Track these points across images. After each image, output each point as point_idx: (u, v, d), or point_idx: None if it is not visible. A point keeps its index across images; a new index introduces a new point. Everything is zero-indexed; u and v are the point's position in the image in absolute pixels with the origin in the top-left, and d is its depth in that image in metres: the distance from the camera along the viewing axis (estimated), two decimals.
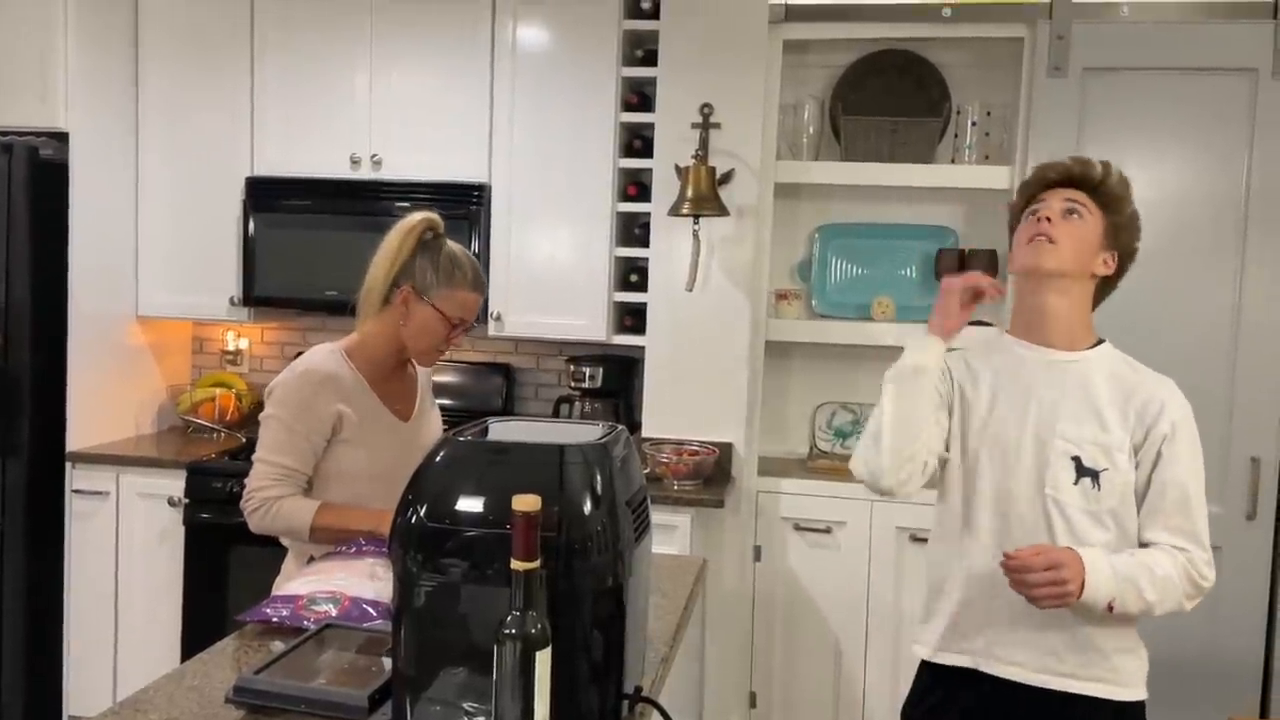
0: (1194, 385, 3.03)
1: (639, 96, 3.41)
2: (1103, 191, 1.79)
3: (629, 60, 3.37)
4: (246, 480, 2.00)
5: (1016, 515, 1.76)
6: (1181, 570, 1.69)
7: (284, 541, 2.10)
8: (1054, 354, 1.79)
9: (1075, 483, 1.72)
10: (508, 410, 3.73)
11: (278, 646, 1.54)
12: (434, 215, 2.07)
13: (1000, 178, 3.22)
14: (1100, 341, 1.83)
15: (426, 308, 2.01)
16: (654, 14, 3.29)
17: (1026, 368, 1.80)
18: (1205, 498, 1.74)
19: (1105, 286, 1.85)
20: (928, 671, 1.90)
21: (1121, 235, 1.81)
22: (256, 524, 1.99)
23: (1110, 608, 1.66)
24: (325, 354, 2.06)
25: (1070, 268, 1.77)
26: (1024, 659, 1.76)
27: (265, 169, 3.51)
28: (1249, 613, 3.03)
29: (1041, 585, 1.62)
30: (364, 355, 2.07)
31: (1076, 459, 1.72)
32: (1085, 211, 1.78)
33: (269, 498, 1.97)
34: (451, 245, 2.07)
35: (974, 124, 3.33)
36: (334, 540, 1.96)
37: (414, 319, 2.02)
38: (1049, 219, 1.77)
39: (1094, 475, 1.72)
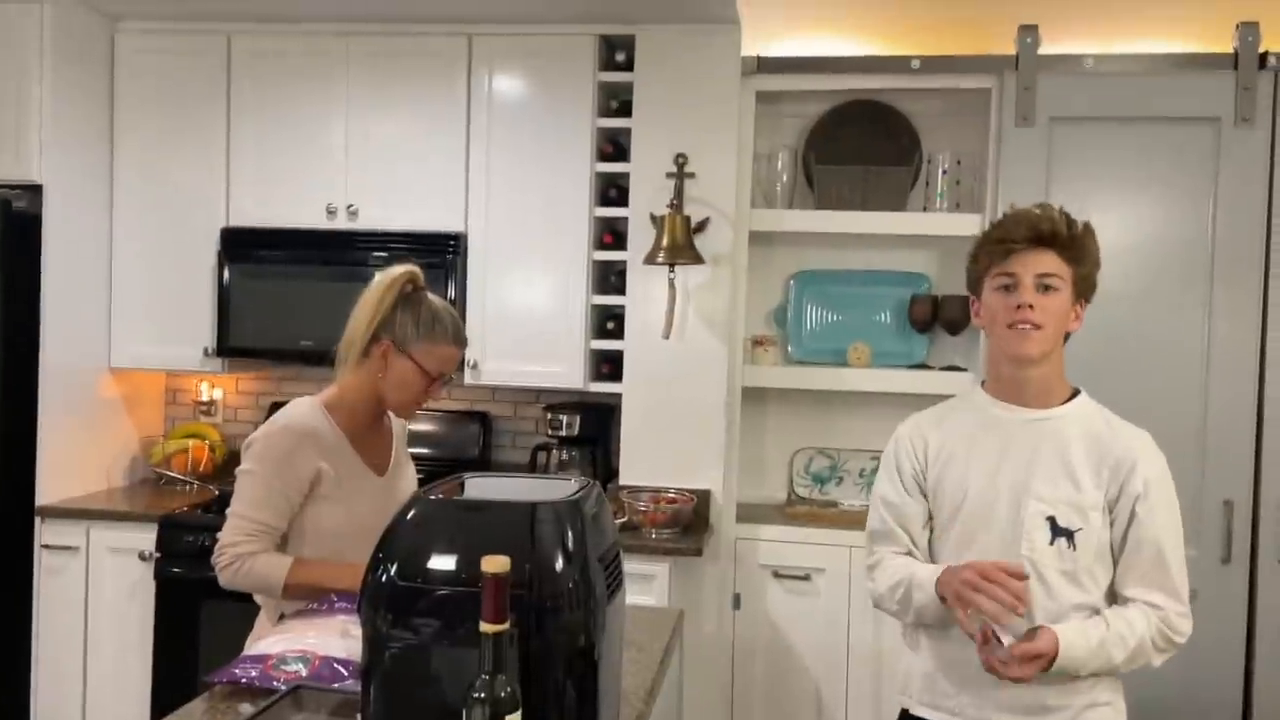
0: (1166, 428, 3.05)
1: (614, 146, 3.44)
2: (1074, 248, 1.76)
3: (604, 111, 3.41)
4: (219, 535, 1.98)
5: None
6: (1156, 630, 1.70)
7: (257, 599, 2.07)
8: (1030, 413, 1.79)
9: (1051, 543, 1.71)
10: (485, 458, 3.71)
11: (246, 709, 1.51)
12: (415, 268, 2.06)
13: (971, 225, 3.25)
14: (1076, 393, 1.82)
15: (406, 361, 2.00)
16: (628, 65, 3.33)
17: (1001, 428, 1.80)
18: (1183, 551, 1.75)
19: None
20: None
21: (1088, 283, 1.81)
22: (228, 580, 1.96)
23: (1076, 675, 1.70)
24: (306, 408, 2.04)
25: (1053, 345, 1.77)
26: (1001, 719, 1.75)
27: (241, 219, 3.51)
28: (1226, 656, 3.03)
29: (1024, 673, 1.66)
30: (343, 409, 2.06)
31: (1051, 519, 1.72)
32: (1059, 280, 1.75)
33: (241, 554, 1.94)
34: (432, 299, 2.06)
35: (945, 172, 3.38)
36: (307, 597, 1.93)
37: (393, 372, 2.01)
38: (1030, 305, 1.73)
39: (1069, 535, 1.71)
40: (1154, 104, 3.12)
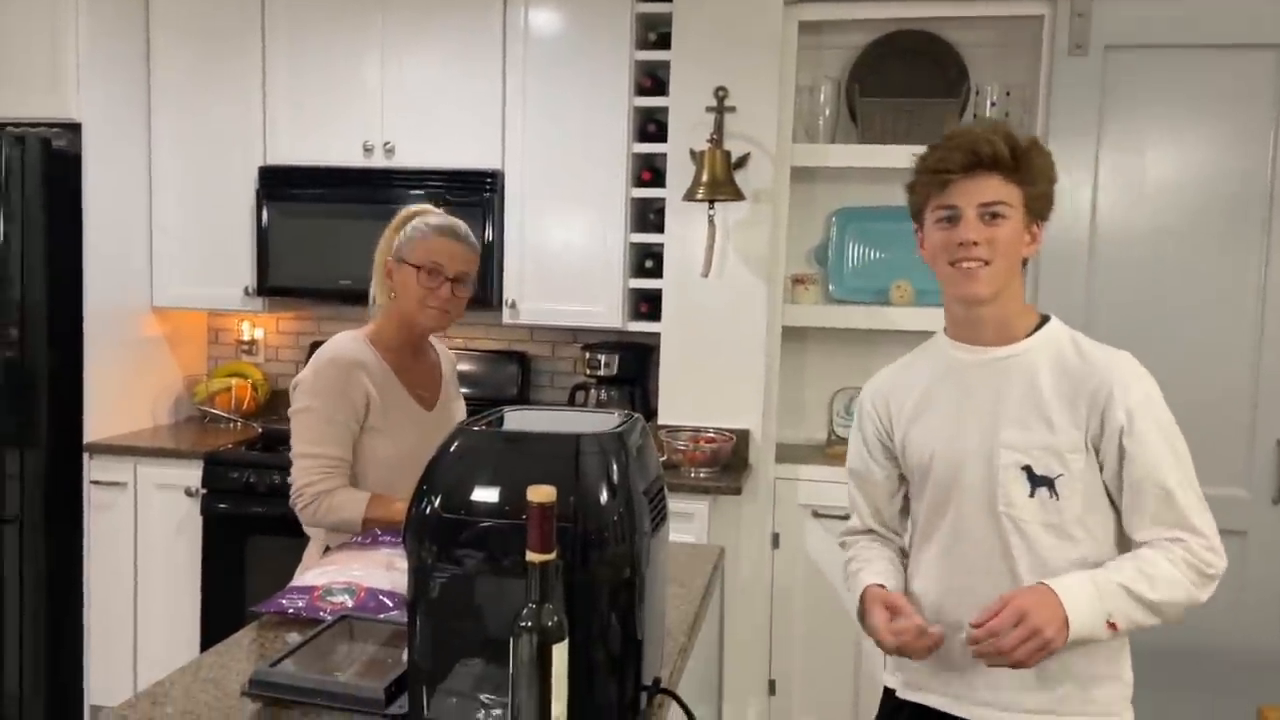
0: (1217, 368, 3.03)
1: (653, 80, 3.37)
2: (1021, 169, 1.54)
3: (642, 43, 3.33)
4: (291, 477, 1.99)
5: (971, 540, 1.59)
6: (1180, 561, 1.50)
7: (307, 530, 2.10)
8: (991, 351, 1.60)
9: (1031, 495, 1.53)
10: (523, 398, 3.72)
11: (294, 638, 1.53)
12: (429, 206, 2.11)
13: None
14: (1045, 321, 1.62)
15: (404, 268, 2.03)
16: None
17: (961, 372, 1.62)
18: (1193, 476, 1.53)
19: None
20: (890, 703, 1.78)
21: (1043, 202, 1.59)
22: (309, 519, 1.98)
23: (1113, 626, 1.48)
24: (350, 340, 2.06)
25: (1006, 280, 1.57)
26: (992, 698, 1.59)
27: (278, 158, 3.50)
28: (1277, 598, 2.99)
29: (1017, 646, 1.43)
30: (382, 342, 2.08)
31: (1027, 468, 1.53)
32: (1006, 207, 1.54)
33: (319, 492, 1.95)
34: (433, 215, 2.08)
35: (993, 104, 3.28)
36: (385, 531, 1.94)
37: (398, 284, 2.04)
38: (974, 241, 1.53)
39: (1049, 484, 1.53)
40: (1214, 30, 3.00)
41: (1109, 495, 1.55)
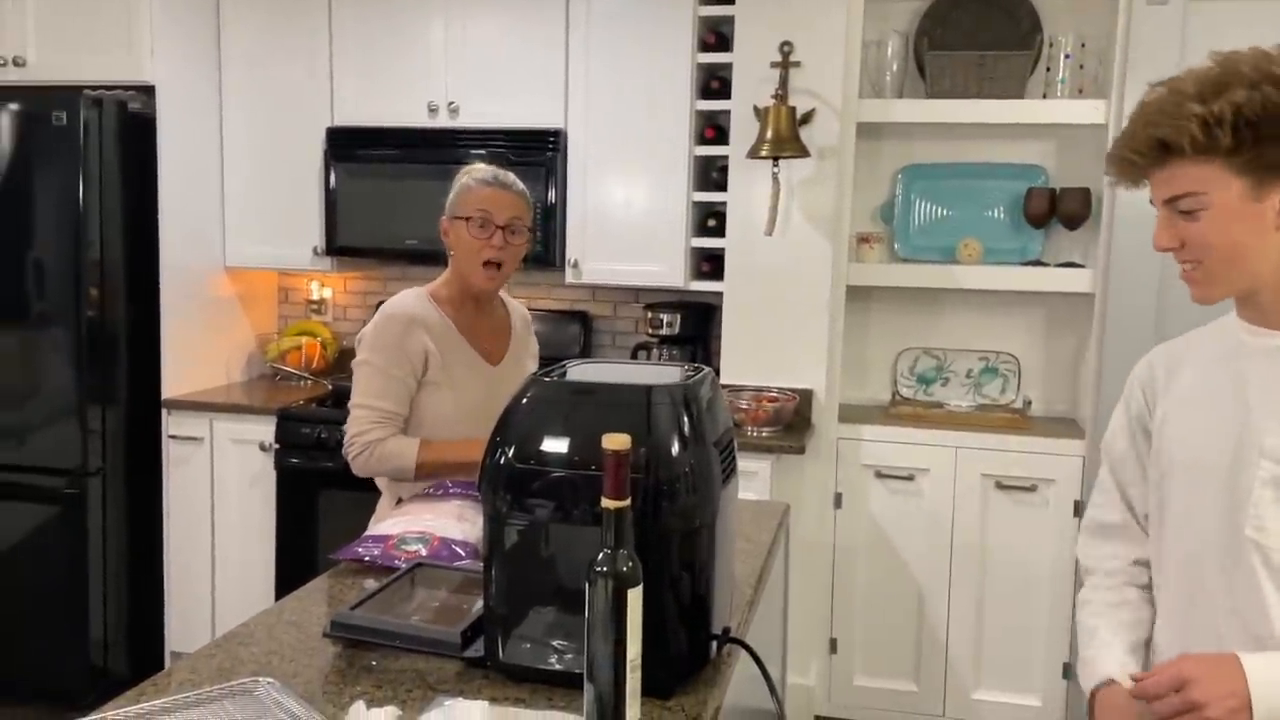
0: None
1: (716, 36, 3.34)
2: (1226, 141, 1.21)
3: None
4: (345, 427, 2.04)
5: (1213, 572, 1.30)
6: None
7: (379, 484, 2.15)
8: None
9: None
10: (585, 358, 3.74)
11: (370, 584, 1.57)
12: (482, 165, 2.13)
13: (1095, 112, 3.09)
14: None
15: (456, 223, 2.06)
16: None
17: (1243, 359, 1.32)
18: None
19: None
20: None
21: (1264, 162, 1.22)
22: (360, 468, 2.03)
23: None
24: (411, 296, 2.10)
25: (1235, 283, 1.28)
26: None
27: (344, 119, 3.54)
28: None
29: (1170, 717, 1.20)
30: (445, 297, 2.12)
31: None
32: (1202, 196, 1.24)
33: (370, 441, 2.00)
34: (481, 168, 2.11)
35: (1067, 56, 3.19)
36: (437, 475, 1.99)
37: (454, 241, 2.07)
38: (1168, 247, 1.29)
39: None
40: None
41: None
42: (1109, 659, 1.39)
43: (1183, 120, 1.22)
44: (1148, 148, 1.26)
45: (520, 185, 2.10)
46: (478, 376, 2.08)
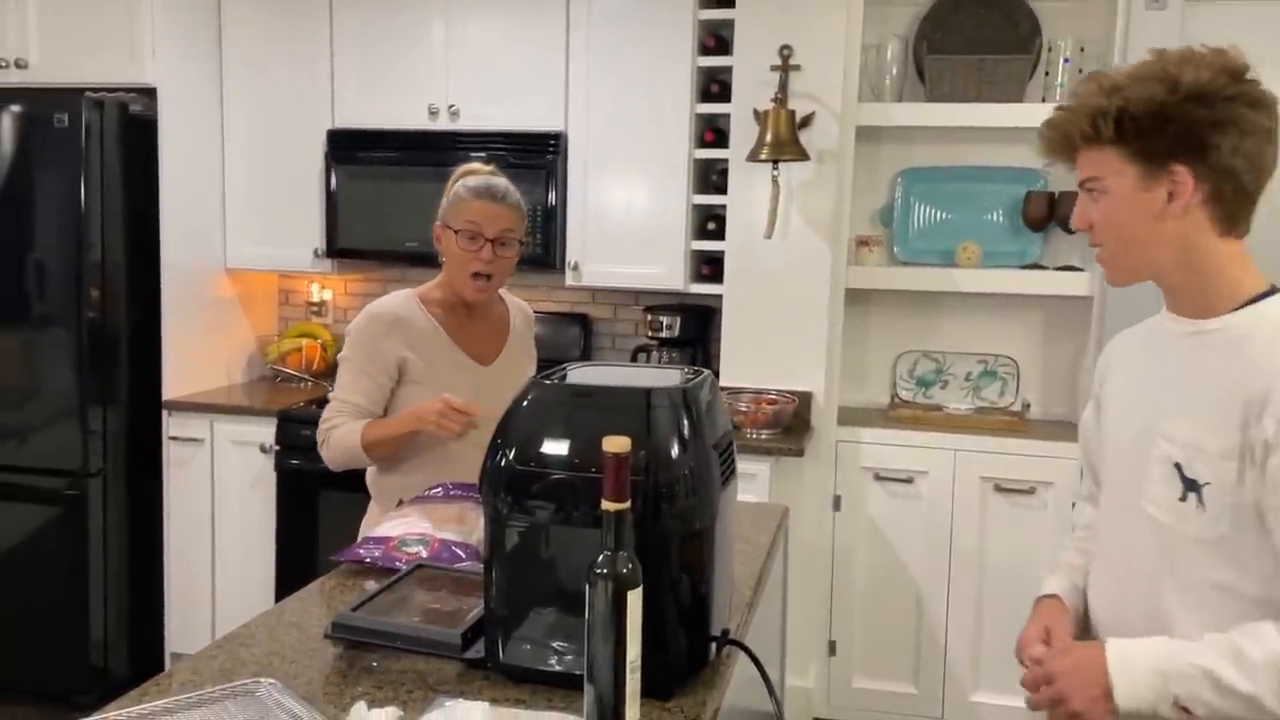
0: None
1: (716, 39, 3.35)
2: (1106, 132, 1.30)
3: (706, 2, 3.31)
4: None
5: (1124, 541, 1.39)
6: None
7: (369, 487, 2.16)
8: (1193, 324, 1.35)
9: (1182, 499, 1.29)
10: (585, 360, 3.75)
11: (371, 586, 1.58)
12: (478, 165, 2.13)
13: None
14: (1263, 295, 1.32)
15: (447, 232, 2.07)
16: None
17: (1160, 343, 1.40)
18: None
19: (1231, 198, 1.30)
20: None
21: (1163, 140, 1.28)
22: (325, 457, 2.09)
23: (1185, 710, 1.25)
24: (398, 297, 2.12)
25: (1136, 269, 1.36)
26: None
27: (345, 121, 3.55)
28: None
29: (1041, 704, 1.35)
30: (435, 300, 2.13)
31: (1179, 466, 1.30)
32: (1102, 181, 1.33)
33: (328, 429, 2.06)
34: (475, 176, 2.10)
35: (1066, 61, 3.20)
36: (392, 451, 2.03)
37: (445, 249, 2.09)
38: (1084, 230, 1.38)
39: (1198, 490, 1.28)
40: None
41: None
42: (1055, 584, 1.56)
43: (1079, 111, 1.33)
44: (1056, 132, 1.37)
45: (514, 196, 2.09)
46: (466, 378, 2.09)
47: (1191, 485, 1.29)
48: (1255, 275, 1.34)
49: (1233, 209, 1.31)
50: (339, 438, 2.05)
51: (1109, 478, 1.46)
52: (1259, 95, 1.29)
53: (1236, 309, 1.31)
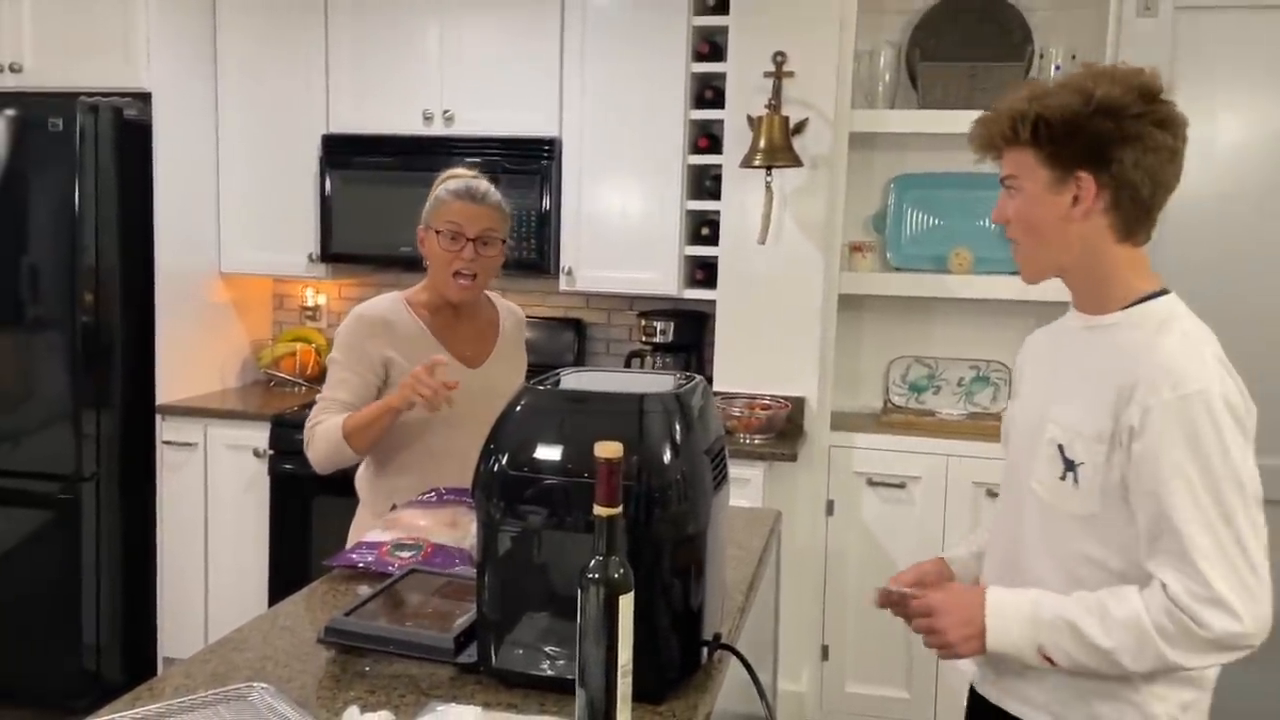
0: None
1: (710, 46, 3.36)
2: (1024, 135, 1.40)
3: (700, 9, 3.32)
4: None
5: (1011, 514, 1.52)
6: (1159, 609, 1.30)
7: (359, 492, 2.17)
8: (1086, 319, 1.47)
9: (1062, 477, 1.40)
10: (579, 365, 3.75)
11: (364, 590, 1.58)
12: (462, 170, 2.14)
13: None
14: (1153, 295, 1.42)
15: (430, 234, 2.08)
16: None
17: (1062, 337, 1.53)
18: (1233, 514, 1.29)
19: (1129, 207, 1.39)
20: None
21: (1073, 148, 1.37)
22: (311, 458, 2.08)
23: (1049, 660, 1.37)
24: (385, 299, 2.14)
25: (1043, 267, 1.46)
26: (1029, 693, 1.48)
27: (340, 126, 3.56)
28: None
29: (920, 630, 1.48)
30: (422, 302, 2.15)
31: (1061, 447, 1.41)
32: (1019, 180, 1.43)
33: (312, 426, 2.06)
34: (456, 179, 2.11)
35: (1058, 68, 3.22)
36: (374, 441, 2.02)
37: (429, 252, 2.10)
38: (1001, 224, 1.48)
39: (1074, 470, 1.39)
40: None
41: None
42: (951, 550, 1.73)
43: (1004, 113, 1.42)
44: (983, 131, 1.47)
45: (494, 196, 2.10)
46: (452, 379, 2.09)
47: (1070, 465, 1.40)
48: (1149, 278, 1.44)
49: (1130, 219, 1.41)
50: (322, 432, 2.04)
51: (1009, 460, 1.57)
52: (1167, 115, 1.37)
53: (1127, 307, 1.42)
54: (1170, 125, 1.37)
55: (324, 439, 2.04)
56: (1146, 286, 1.43)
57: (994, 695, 1.55)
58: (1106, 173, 1.37)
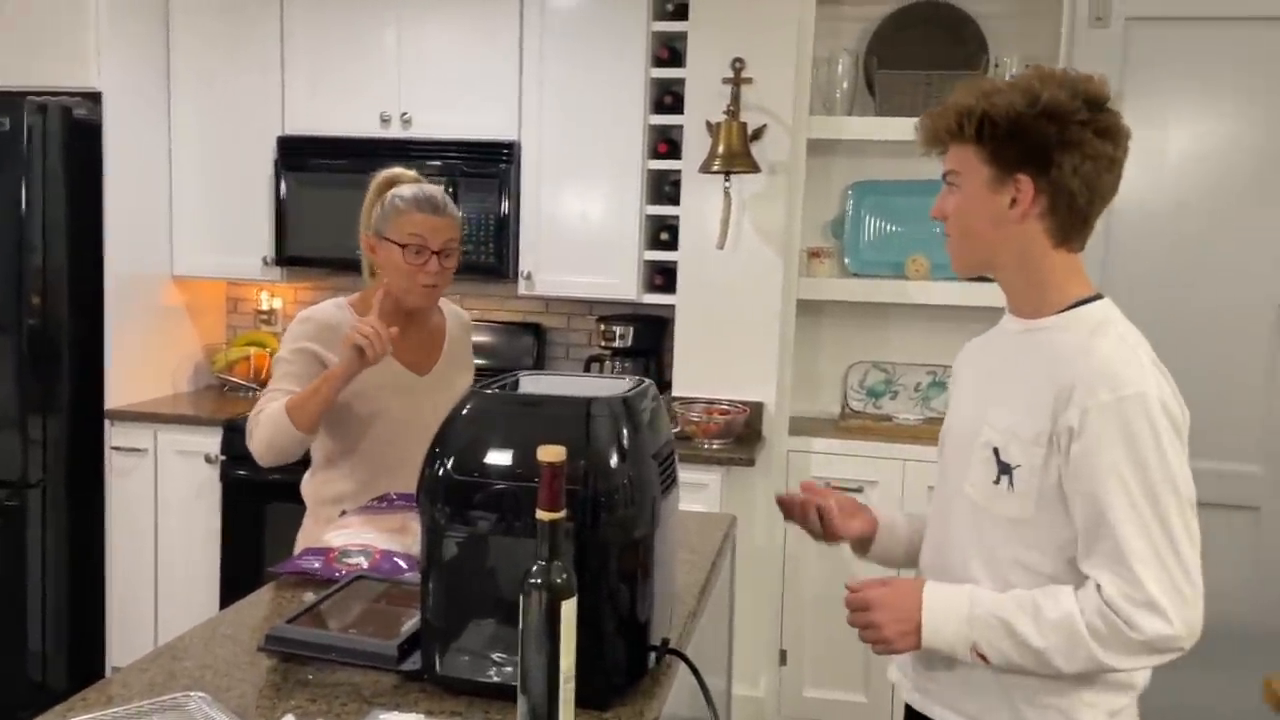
0: (1234, 343, 3.01)
1: (670, 51, 3.37)
2: (968, 131, 1.40)
3: (659, 14, 3.32)
4: None
5: (946, 517, 1.52)
6: (1093, 611, 1.30)
7: (304, 499, 2.13)
8: (1022, 323, 1.46)
9: (996, 481, 1.40)
10: (538, 370, 3.73)
11: (309, 597, 1.56)
12: (401, 170, 2.10)
13: None
14: (1087, 300, 1.42)
15: (386, 244, 2.03)
16: None
17: (997, 341, 1.53)
18: (1167, 516, 1.29)
19: (1065, 214, 1.39)
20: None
21: (1015, 149, 1.37)
22: (253, 449, 1.99)
23: (983, 657, 1.38)
24: (330, 305, 2.10)
25: (975, 262, 1.48)
26: (958, 700, 1.49)
27: (296, 128, 3.52)
28: None
29: (856, 624, 1.47)
30: (368, 308, 2.08)
31: (996, 450, 1.40)
32: (960, 175, 1.43)
33: (254, 414, 1.99)
34: (405, 185, 2.07)
35: (1012, 77, 3.25)
36: (317, 415, 1.93)
37: (383, 261, 2.05)
38: (939, 218, 1.49)
39: (1010, 473, 1.39)
40: (1237, 2, 2.97)
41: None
42: (893, 510, 1.76)
43: (951, 109, 1.42)
44: (931, 124, 1.46)
45: (451, 206, 2.07)
46: (401, 387, 2.07)
47: (1005, 468, 1.40)
48: (1084, 284, 1.45)
49: (1066, 225, 1.41)
50: (265, 417, 1.96)
51: (944, 464, 1.57)
52: (1110, 125, 1.37)
53: (1062, 311, 1.42)
54: (1112, 135, 1.38)
55: (266, 422, 1.96)
56: (1081, 291, 1.43)
57: (919, 702, 1.56)
58: (1045, 177, 1.37)
